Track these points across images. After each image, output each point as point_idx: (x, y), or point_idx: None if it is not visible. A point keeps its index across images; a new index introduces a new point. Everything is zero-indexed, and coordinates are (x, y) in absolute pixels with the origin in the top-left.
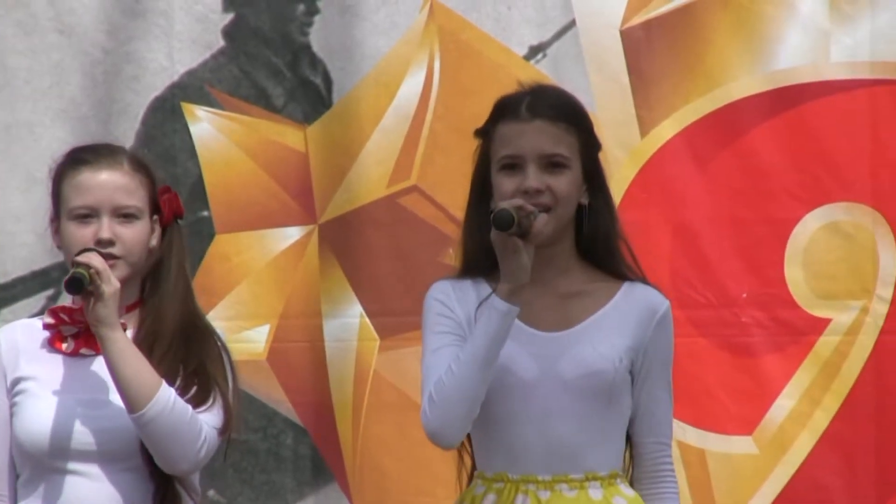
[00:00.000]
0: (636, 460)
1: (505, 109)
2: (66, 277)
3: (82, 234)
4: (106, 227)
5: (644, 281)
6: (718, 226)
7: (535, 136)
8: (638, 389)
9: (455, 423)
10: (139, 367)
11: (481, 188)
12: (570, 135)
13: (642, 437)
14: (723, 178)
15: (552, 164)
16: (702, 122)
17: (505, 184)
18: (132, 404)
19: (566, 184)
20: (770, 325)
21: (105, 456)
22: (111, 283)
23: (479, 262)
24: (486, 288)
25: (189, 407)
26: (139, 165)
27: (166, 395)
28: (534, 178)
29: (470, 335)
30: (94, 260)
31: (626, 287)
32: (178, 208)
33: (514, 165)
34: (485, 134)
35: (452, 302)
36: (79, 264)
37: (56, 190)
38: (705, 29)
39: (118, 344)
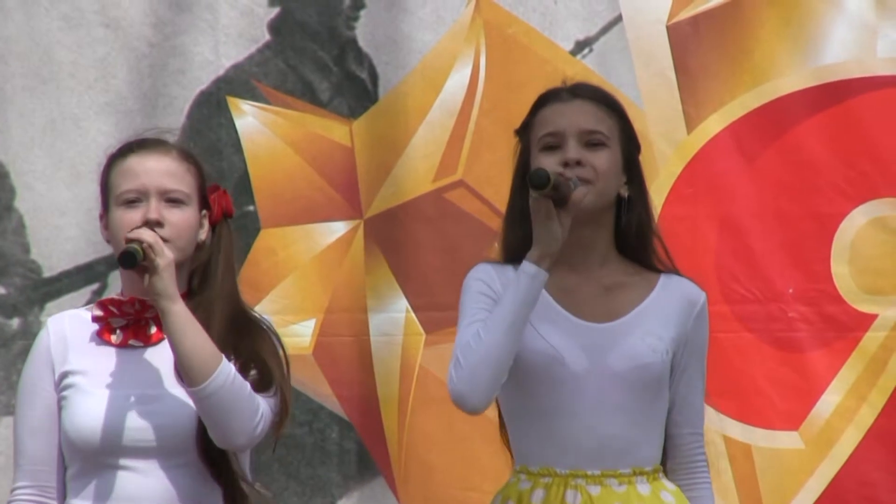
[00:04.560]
0: (672, 451)
1: (545, 97)
2: (119, 253)
3: (130, 217)
4: (154, 209)
5: (678, 273)
6: (765, 221)
7: (575, 114)
8: (676, 381)
9: (481, 388)
10: (200, 340)
11: (522, 181)
12: (611, 118)
13: (680, 428)
14: (769, 174)
15: (592, 143)
16: (748, 117)
17: (545, 162)
18: (193, 378)
19: (606, 161)
20: (816, 320)
21: (159, 451)
22: (164, 256)
23: (520, 254)
24: None
25: (247, 383)
26: (188, 155)
27: (227, 369)
28: (573, 150)
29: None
30: (146, 234)
31: (664, 279)
32: (228, 206)
33: (554, 145)
34: (525, 127)
35: (494, 282)
36: (131, 240)
37: (105, 180)
38: (752, 24)
39: (179, 317)
